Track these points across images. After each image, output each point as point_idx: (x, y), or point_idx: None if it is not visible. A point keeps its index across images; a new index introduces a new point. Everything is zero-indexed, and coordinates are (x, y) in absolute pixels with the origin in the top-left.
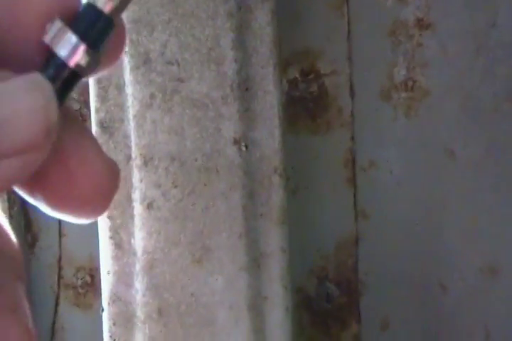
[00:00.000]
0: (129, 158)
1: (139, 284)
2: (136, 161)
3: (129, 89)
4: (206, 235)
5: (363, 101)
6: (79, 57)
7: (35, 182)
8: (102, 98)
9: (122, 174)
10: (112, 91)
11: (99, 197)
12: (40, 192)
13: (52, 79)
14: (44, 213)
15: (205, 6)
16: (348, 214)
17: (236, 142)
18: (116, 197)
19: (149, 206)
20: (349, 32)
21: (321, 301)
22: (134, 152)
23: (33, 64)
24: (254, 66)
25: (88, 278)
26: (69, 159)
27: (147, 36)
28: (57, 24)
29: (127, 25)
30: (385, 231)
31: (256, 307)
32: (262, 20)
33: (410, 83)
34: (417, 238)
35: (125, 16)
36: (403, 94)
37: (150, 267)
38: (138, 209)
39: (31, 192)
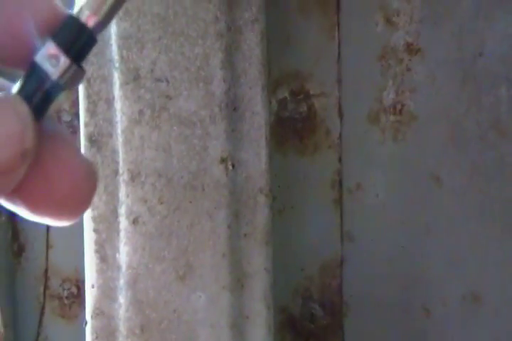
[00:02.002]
0: (116, 172)
1: (122, 299)
2: (124, 176)
3: (118, 105)
4: (190, 252)
5: (352, 124)
6: (62, 70)
7: (16, 190)
8: (91, 112)
9: (109, 189)
10: (101, 106)
11: (77, 198)
12: (17, 196)
13: (34, 92)
14: (31, 224)
15: (196, 26)
16: (333, 236)
17: (223, 161)
18: (103, 211)
19: (135, 221)
20: (339, 55)
21: (305, 321)
22: (122, 167)
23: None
24: (243, 86)
25: (74, 290)
26: (45, 161)
27: (137, 53)
28: (47, 40)
29: (118, 41)
30: (370, 253)
31: (238, 326)
32: (252, 41)
33: (399, 107)
34: (401, 261)
35: (115, 32)
36: (391, 118)
37: (134, 282)
38: (124, 224)
39: (8, 197)
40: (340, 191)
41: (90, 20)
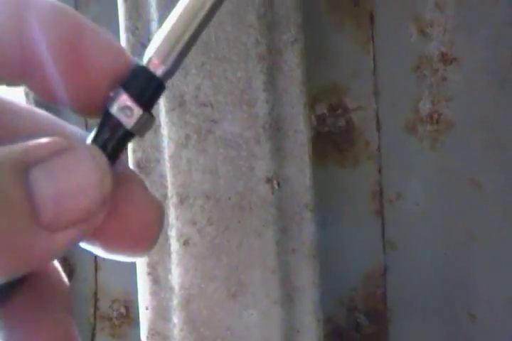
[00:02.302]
0: (165, 196)
1: (176, 319)
2: (173, 200)
3: (164, 131)
4: (241, 270)
5: (389, 135)
6: (136, 120)
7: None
8: (139, 139)
9: None
10: (148, 132)
11: (148, 236)
12: (94, 238)
13: (108, 140)
14: (80, 247)
15: (237, 50)
16: (375, 246)
17: (268, 180)
18: None
19: (185, 243)
20: (375, 67)
21: (351, 331)
22: (170, 191)
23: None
24: (285, 106)
25: (123, 310)
26: (118, 202)
27: (182, 79)
28: (119, 90)
29: None
30: (413, 261)
31: (289, 340)
32: (292, 61)
33: (435, 116)
34: (444, 268)
35: None
36: (428, 127)
37: (187, 302)
38: (175, 246)
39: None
40: (381, 201)
41: (159, 69)
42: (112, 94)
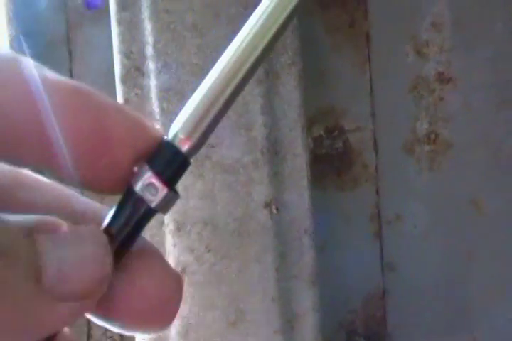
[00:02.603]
0: (161, 223)
1: None
2: (169, 227)
3: None
4: (240, 298)
5: (387, 156)
6: (161, 199)
7: (105, 303)
8: None
9: (155, 239)
10: None
11: (167, 310)
12: (110, 313)
13: (130, 219)
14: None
15: None
16: (374, 268)
17: (267, 205)
18: None
19: (183, 271)
20: (371, 88)
21: None
22: (167, 218)
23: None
24: (283, 129)
25: (117, 338)
26: (139, 277)
27: (178, 104)
28: (143, 167)
29: (158, 94)
30: (412, 284)
31: None
32: (290, 84)
33: (433, 136)
34: (444, 290)
35: (155, 85)
36: (426, 148)
37: (186, 332)
38: None
39: (102, 314)
40: (380, 223)
41: (185, 145)
42: (136, 169)
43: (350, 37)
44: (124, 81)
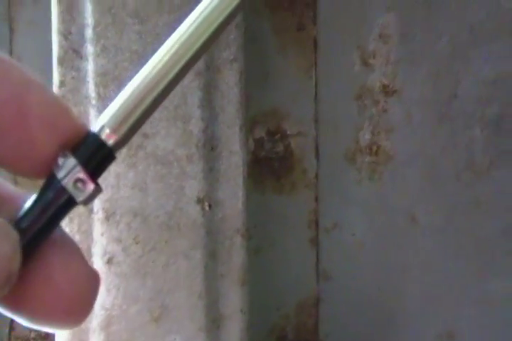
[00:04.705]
0: (90, 211)
1: None
2: (98, 215)
3: None
4: (166, 293)
5: (328, 163)
6: (87, 194)
7: (16, 296)
8: None
9: (83, 227)
10: None
11: (83, 305)
12: (21, 306)
13: (49, 206)
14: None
15: None
16: (309, 275)
17: (199, 201)
18: None
19: (109, 261)
20: (316, 94)
21: None
22: (96, 205)
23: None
24: (221, 125)
25: (41, 330)
26: (54, 270)
27: (114, 90)
28: (67, 157)
29: (95, 78)
30: (346, 293)
31: None
32: (230, 80)
33: (375, 147)
34: (377, 300)
35: (92, 69)
36: (367, 158)
37: (107, 324)
38: (98, 263)
39: (12, 307)
40: (317, 230)
41: (110, 139)
42: (60, 160)
43: (298, 40)
44: (61, 62)
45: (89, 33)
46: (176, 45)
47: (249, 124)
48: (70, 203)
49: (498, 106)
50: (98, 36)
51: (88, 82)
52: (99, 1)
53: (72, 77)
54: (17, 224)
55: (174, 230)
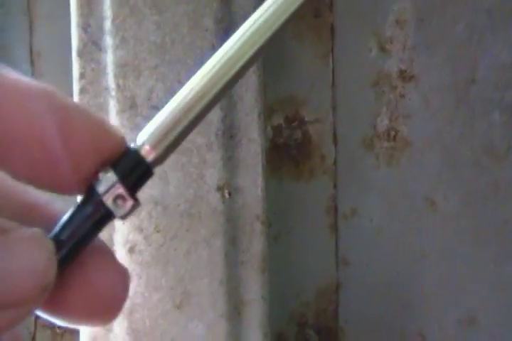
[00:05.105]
0: None
1: (118, 328)
2: None
3: None
4: (187, 280)
5: (346, 150)
6: (127, 210)
7: (54, 301)
8: None
9: None
10: None
11: (113, 305)
12: (59, 309)
13: (89, 218)
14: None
15: (192, 54)
16: (329, 261)
17: (219, 189)
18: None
19: (131, 250)
20: (333, 81)
21: None
22: None
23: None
24: (239, 113)
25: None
26: (91, 276)
27: (134, 81)
28: (107, 173)
29: (115, 70)
30: (366, 278)
31: None
32: None
33: (393, 133)
34: (396, 286)
35: (112, 60)
36: (385, 144)
37: (130, 312)
38: (119, 252)
39: (50, 310)
40: (336, 216)
41: (149, 155)
42: (101, 175)
43: (314, 27)
44: (80, 55)
45: (108, 25)
46: (221, 62)
47: (267, 112)
48: (108, 217)
49: None
50: (117, 28)
51: (108, 73)
52: None
53: (92, 69)
54: (55, 235)
55: (195, 218)
